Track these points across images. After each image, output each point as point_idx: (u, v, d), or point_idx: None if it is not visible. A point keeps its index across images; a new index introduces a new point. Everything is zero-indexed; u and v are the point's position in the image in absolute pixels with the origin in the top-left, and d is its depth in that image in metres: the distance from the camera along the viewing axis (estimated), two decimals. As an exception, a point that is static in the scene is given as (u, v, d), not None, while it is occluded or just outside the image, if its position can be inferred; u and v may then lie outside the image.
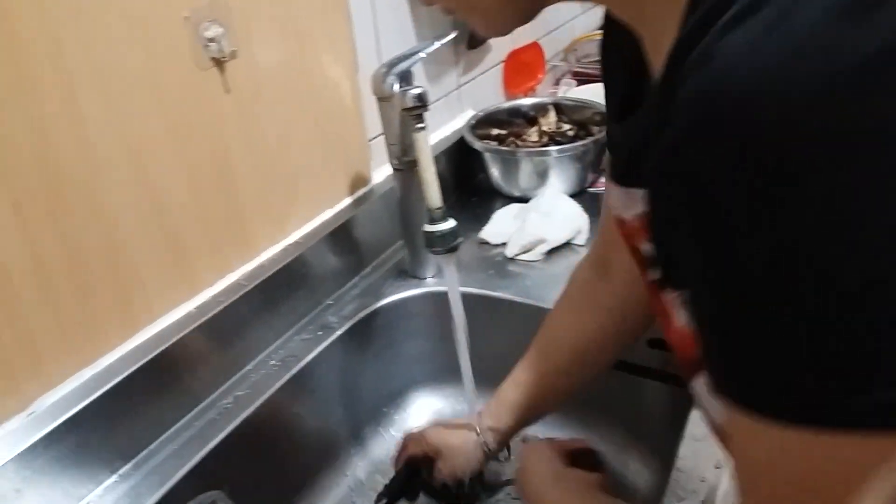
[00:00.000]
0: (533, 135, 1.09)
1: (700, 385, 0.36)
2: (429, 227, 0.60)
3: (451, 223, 0.60)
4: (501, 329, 0.84)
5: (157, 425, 0.67)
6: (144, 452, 0.65)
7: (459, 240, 0.61)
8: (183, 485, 0.63)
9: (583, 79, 1.38)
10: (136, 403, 0.64)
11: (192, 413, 0.70)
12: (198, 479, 0.64)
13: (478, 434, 0.67)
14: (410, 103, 0.59)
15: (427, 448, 0.72)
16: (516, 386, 0.66)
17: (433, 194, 0.59)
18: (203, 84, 0.68)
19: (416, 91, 0.60)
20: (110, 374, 0.62)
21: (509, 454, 0.76)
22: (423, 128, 0.56)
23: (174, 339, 0.67)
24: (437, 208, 0.59)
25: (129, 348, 0.65)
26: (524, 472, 0.62)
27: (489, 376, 0.72)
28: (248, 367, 0.76)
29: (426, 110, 0.59)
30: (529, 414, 0.67)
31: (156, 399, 0.66)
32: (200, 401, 0.71)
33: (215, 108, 0.70)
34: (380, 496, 0.75)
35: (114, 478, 0.63)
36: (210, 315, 0.70)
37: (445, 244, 0.60)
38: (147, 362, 0.64)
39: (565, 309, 0.65)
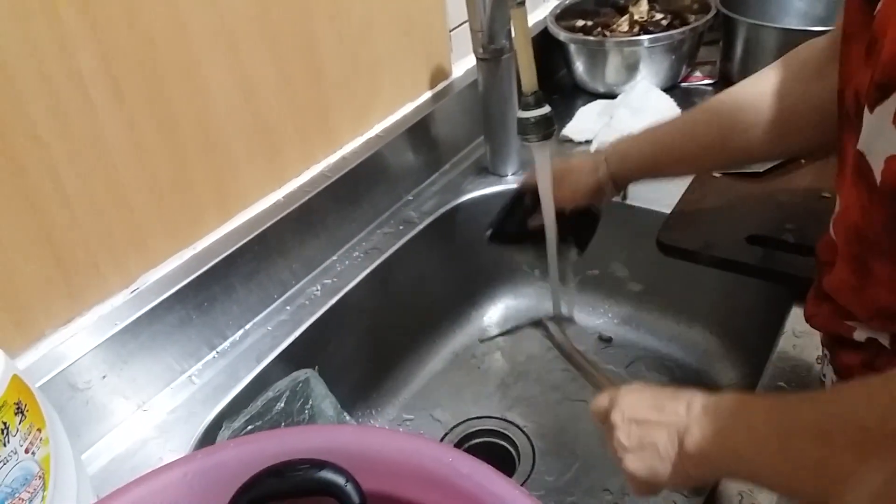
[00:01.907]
0: (623, 25, 1.01)
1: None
2: (523, 114, 0.57)
3: (546, 109, 0.57)
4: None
5: (251, 308, 0.69)
6: (240, 332, 0.68)
7: (554, 127, 0.58)
8: (277, 362, 0.66)
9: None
10: (231, 285, 0.66)
11: (283, 298, 0.72)
12: (290, 358, 0.67)
13: (603, 161, 0.63)
14: (508, -24, 0.54)
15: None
16: (652, 132, 0.62)
17: (529, 77, 0.56)
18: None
19: (515, -38, 0.55)
20: (208, 256, 0.64)
21: (625, 196, 0.75)
22: (522, 2, 0.52)
23: (266, 226, 0.68)
24: (533, 93, 0.56)
25: (225, 232, 0.67)
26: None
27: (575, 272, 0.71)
28: (333, 257, 0.77)
29: (525, -16, 0.55)
30: (653, 164, 0.62)
31: (249, 282, 0.68)
32: (290, 287, 0.73)
33: (300, -10, 0.67)
34: (489, 227, 0.72)
35: (212, 354, 0.66)
36: (297, 205, 0.71)
37: (540, 131, 0.57)
38: (241, 246, 0.66)
39: (768, 73, 0.56)
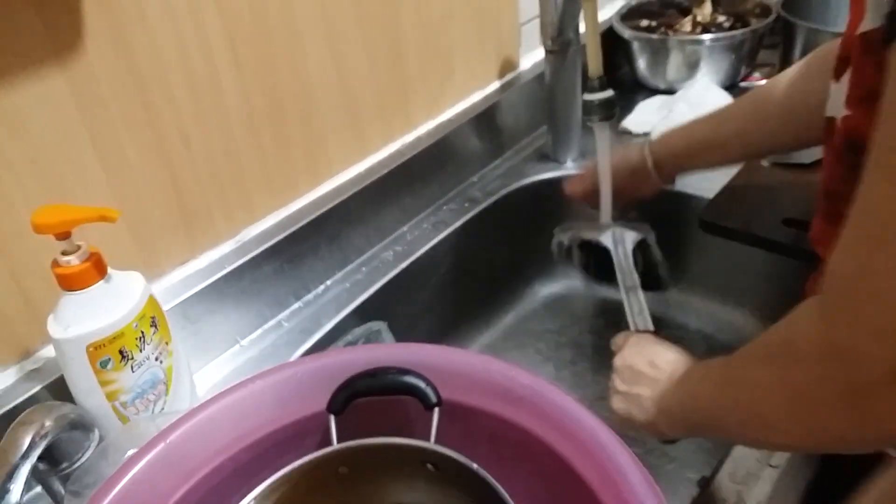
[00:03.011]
0: (686, 25, 1.06)
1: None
2: (588, 96, 0.63)
3: (609, 92, 0.63)
4: (648, 214, 0.87)
5: (332, 266, 0.77)
6: (322, 287, 0.77)
7: (616, 109, 0.65)
8: (353, 315, 0.74)
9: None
10: (317, 244, 0.75)
11: (360, 259, 0.80)
12: (364, 313, 0.75)
13: (648, 153, 0.69)
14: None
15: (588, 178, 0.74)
16: (689, 125, 0.67)
17: (596, 63, 0.62)
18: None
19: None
20: (300, 216, 0.73)
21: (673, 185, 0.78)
22: (593, -4, 0.59)
23: (348, 194, 0.76)
24: (598, 77, 0.63)
25: (314, 197, 0.75)
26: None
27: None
28: (404, 227, 0.85)
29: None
30: (687, 154, 0.68)
31: (332, 244, 0.76)
32: (366, 251, 0.81)
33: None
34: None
35: (298, 304, 0.75)
36: (376, 177, 0.79)
37: (603, 112, 0.63)
38: (327, 210, 0.74)
39: (794, 68, 0.60)
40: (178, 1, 0.58)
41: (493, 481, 0.41)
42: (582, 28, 0.71)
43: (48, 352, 0.58)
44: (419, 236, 0.84)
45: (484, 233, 0.89)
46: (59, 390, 0.55)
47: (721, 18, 1.07)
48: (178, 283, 0.65)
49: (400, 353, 0.48)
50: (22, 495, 0.45)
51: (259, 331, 0.71)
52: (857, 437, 0.34)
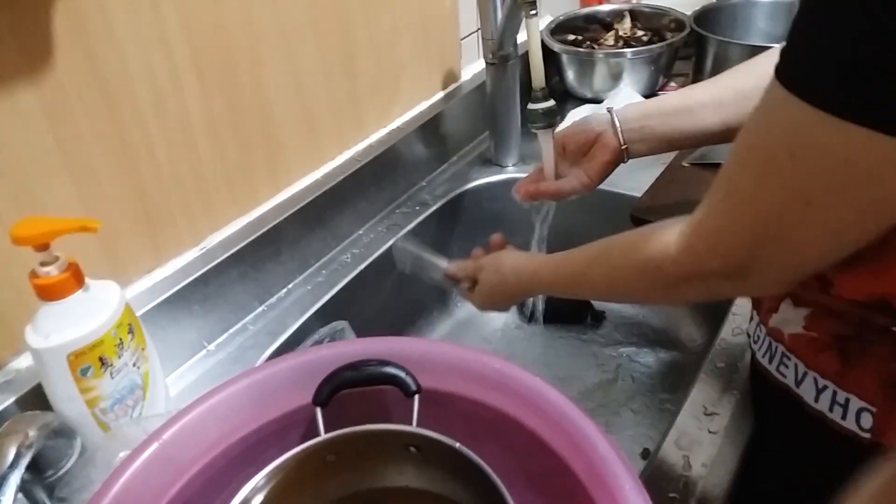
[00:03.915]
0: (609, 40, 1.15)
1: None
2: (532, 106, 0.69)
3: (552, 102, 0.69)
4: (582, 214, 0.95)
5: (294, 269, 0.80)
6: (284, 290, 0.79)
7: (558, 117, 0.71)
8: (316, 316, 0.77)
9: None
10: (279, 249, 0.77)
11: (320, 262, 0.83)
12: (326, 313, 0.78)
13: (614, 115, 0.67)
14: (526, -8, 0.66)
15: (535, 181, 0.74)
16: (668, 95, 0.67)
17: (539, 76, 0.68)
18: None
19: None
20: (261, 223, 0.75)
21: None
22: (535, 14, 0.64)
23: (307, 201, 0.79)
24: (542, 88, 0.69)
25: (275, 203, 0.78)
26: (480, 300, 0.72)
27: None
28: (360, 230, 0.89)
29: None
30: (668, 119, 0.65)
31: (293, 248, 0.79)
32: (325, 254, 0.84)
33: (346, 4, 0.79)
34: None
35: (262, 307, 0.77)
36: (332, 184, 0.82)
37: (547, 120, 0.69)
38: (287, 217, 0.77)
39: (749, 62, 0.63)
40: (145, 19, 0.60)
41: (474, 456, 0.45)
42: (520, 40, 0.76)
43: (18, 363, 0.58)
44: (375, 239, 0.88)
45: (434, 233, 0.94)
46: (31, 402, 0.56)
47: (640, 33, 1.16)
48: (146, 290, 0.67)
49: (377, 346, 0.52)
50: (13, 504, 0.46)
51: (225, 335, 0.73)
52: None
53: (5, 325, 0.56)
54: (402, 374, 0.49)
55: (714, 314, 0.84)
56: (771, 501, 0.58)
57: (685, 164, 0.92)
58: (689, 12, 1.13)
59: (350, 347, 0.52)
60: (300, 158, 0.80)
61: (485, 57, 0.92)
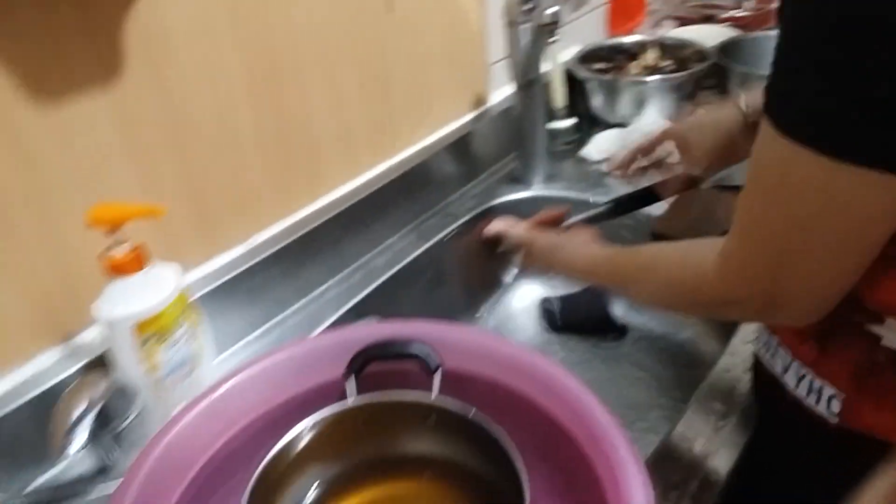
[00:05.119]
0: (634, 69, 1.21)
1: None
2: (554, 125, 0.75)
3: (573, 119, 0.75)
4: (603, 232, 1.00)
5: (331, 270, 0.87)
6: (322, 288, 0.86)
7: (578, 134, 0.76)
8: (350, 313, 0.83)
9: (683, 21, 1.47)
10: (319, 249, 0.84)
11: (356, 264, 0.90)
12: (360, 310, 0.84)
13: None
14: (546, 20, 0.73)
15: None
16: None
17: (559, 97, 0.74)
18: (372, 4, 0.86)
19: (553, 9, 0.74)
20: (302, 225, 0.82)
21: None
22: (555, 41, 0.71)
23: (343, 207, 0.86)
24: (562, 108, 0.75)
25: (313, 209, 0.85)
26: (530, 256, 0.74)
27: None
28: (394, 238, 0.95)
29: (558, 26, 0.73)
30: None
31: (332, 250, 0.86)
32: (361, 257, 0.91)
33: (382, 27, 0.87)
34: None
35: (301, 302, 0.84)
36: (367, 193, 0.90)
37: (567, 137, 0.75)
38: (325, 221, 0.84)
39: None
40: (205, 44, 0.69)
41: (489, 423, 0.50)
42: (543, 69, 0.82)
43: (86, 336, 0.65)
44: (407, 245, 0.94)
45: (462, 245, 1.00)
46: (97, 368, 0.63)
47: (664, 63, 1.22)
48: (198, 279, 0.74)
49: (404, 328, 0.58)
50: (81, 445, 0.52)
51: (267, 325, 0.80)
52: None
53: (76, 301, 0.63)
54: (426, 351, 0.55)
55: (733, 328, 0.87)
56: (768, 483, 0.61)
57: (705, 185, 0.96)
58: (712, 44, 1.19)
59: (380, 328, 0.58)
60: (338, 169, 0.88)
61: (514, 81, 0.99)
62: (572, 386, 0.51)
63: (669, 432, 0.62)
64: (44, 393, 0.61)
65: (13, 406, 0.60)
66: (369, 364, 0.55)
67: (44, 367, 0.63)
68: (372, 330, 0.58)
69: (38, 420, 0.59)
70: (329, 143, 0.85)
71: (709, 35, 1.27)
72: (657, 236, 0.89)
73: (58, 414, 0.54)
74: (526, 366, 0.55)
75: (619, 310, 0.98)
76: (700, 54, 1.20)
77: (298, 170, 0.82)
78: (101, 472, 0.57)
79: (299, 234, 0.82)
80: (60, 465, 0.53)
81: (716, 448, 0.60)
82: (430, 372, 0.54)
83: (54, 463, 0.54)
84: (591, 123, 1.20)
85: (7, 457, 0.59)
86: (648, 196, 0.78)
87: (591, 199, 1.00)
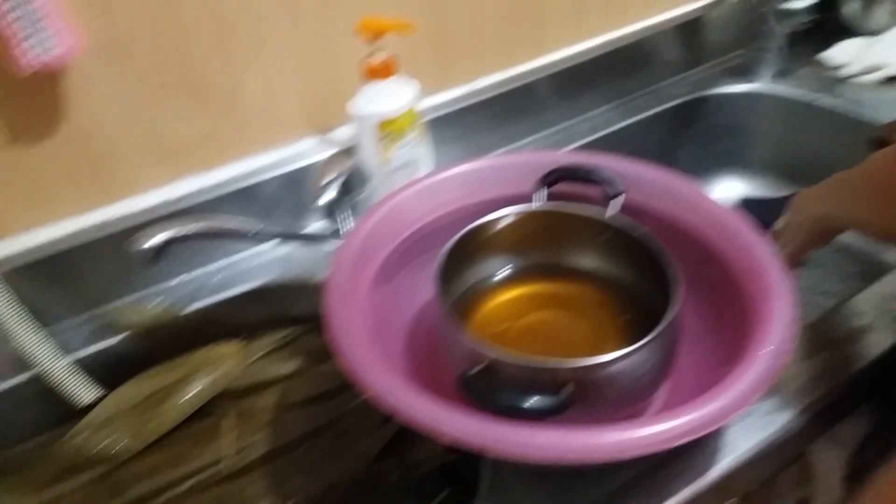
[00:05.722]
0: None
1: None
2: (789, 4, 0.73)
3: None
4: (822, 137, 0.96)
5: (535, 128, 0.95)
6: (523, 142, 0.95)
7: (817, 15, 0.73)
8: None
9: None
10: (527, 107, 0.92)
11: (558, 127, 0.97)
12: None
13: None
14: None
15: None
16: None
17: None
18: None
19: None
20: (518, 79, 0.91)
21: None
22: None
23: (558, 69, 0.93)
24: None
25: (532, 66, 0.93)
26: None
27: (795, 175, 0.85)
28: (599, 109, 1.00)
29: None
30: None
31: (539, 108, 0.94)
32: (562, 122, 0.97)
33: None
34: None
35: (502, 150, 0.94)
36: (585, 59, 0.94)
37: (804, 18, 0.72)
38: (539, 79, 0.91)
39: None
40: None
41: (656, 243, 0.56)
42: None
43: (339, 133, 0.82)
44: (611, 118, 0.98)
45: (664, 131, 1.01)
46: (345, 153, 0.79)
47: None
48: (422, 109, 0.86)
49: (592, 157, 0.65)
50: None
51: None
52: None
53: (336, 99, 0.78)
54: (611, 177, 0.62)
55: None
56: None
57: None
58: None
59: (572, 155, 0.66)
60: (563, 31, 0.93)
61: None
62: (742, 227, 0.56)
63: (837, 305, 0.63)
64: (301, 168, 0.78)
65: (276, 173, 0.78)
66: (559, 182, 0.64)
67: (302, 150, 0.80)
68: (565, 155, 0.66)
69: (291, 188, 0.77)
70: (559, 3, 0.91)
71: None
72: (875, 145, 0.84)
73: (317, 173, 0.70)
74: (702, 207, 0.59)
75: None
76: None
77: (525, 25, 0.90)
78: (335, 234, 0.74)
79: (513, 86, 0.90)
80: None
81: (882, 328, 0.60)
82: (610, 197, 0.61)
83: (305, 215, 0.70)
84: (838, 33, 1.11)
85: (266, 210, 0.78)
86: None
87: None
